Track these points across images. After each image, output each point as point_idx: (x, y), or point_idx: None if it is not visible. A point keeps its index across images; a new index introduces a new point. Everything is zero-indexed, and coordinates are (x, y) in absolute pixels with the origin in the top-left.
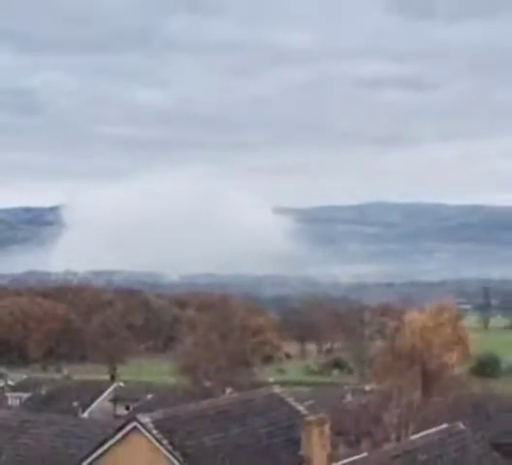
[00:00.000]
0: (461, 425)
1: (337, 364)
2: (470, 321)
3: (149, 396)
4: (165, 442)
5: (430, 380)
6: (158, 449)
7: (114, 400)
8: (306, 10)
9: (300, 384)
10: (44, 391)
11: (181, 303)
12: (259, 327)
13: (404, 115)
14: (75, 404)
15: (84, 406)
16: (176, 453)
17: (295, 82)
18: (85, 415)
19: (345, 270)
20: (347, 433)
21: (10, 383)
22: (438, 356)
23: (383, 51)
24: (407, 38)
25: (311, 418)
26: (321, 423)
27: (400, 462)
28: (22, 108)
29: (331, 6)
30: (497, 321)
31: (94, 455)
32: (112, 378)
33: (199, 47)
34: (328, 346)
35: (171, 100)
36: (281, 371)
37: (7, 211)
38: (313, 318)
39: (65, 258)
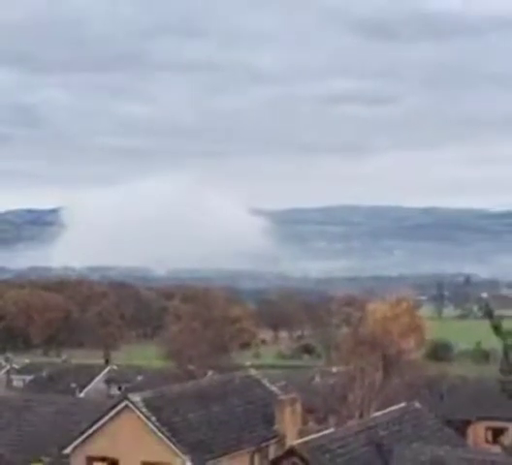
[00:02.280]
0: (417, 404)
1: (307, 349)
2: (426, 311)
3: (139, 378)
4: (153, 418)
5: (389, 363)
6: (147, 424)
7: (108, 381)
8: (277, 34)
9: (273, 367)
10: (45, 374)
11: (168, 295)
12: (237, 317)
13: (364, 127)
14: (73, 385)
15: (81, 387)
16: (164, 428)
17: (267, 98)
18: (82, 394)
19: (314, 266)
20: (316, 411)
21: (14, 366)
22: (397, 342)
23: (344, 71)
24: (365, 58)
25: (284, 397)
26: (292, 402)
27: (363, 437)
28: (26, 122)
29: (299, 31)
30: (450, 311)
31: (90, 431)
32: (106, 362)
33: (183, 68)
34: (298, 333)
35: (158, 114)
36: (257, 355)
37: (12, 213)
38: (286, 308)
39: (64, 255)
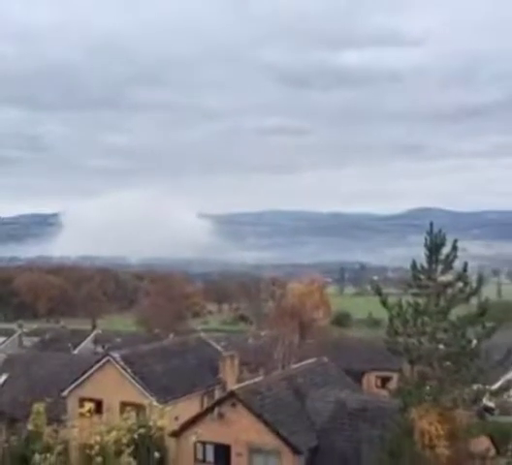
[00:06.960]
0: (325, 359)
1: (243, 318)
2: (331, 289)
3: (118, 340)
4: (129, 370)
5: (304, 328)
6: (124, 374)
7: (95, 342)
8: (223, 82)
9: (218, 331)
10: (48, 336)
11: (139, 277)
12: (190, 293)
13: (288, 152)
14: (68, 345)
15: (75, 346)
16: (136, 377)
17: (215, 131)
18: (75, 352)
19: (248, 255)
20: (249, 364)
21: (25, 330)
22: (310, 312)
23: (274, 110)
24: (290, 101)
25: (226, 353)
26: (232, 358)
27: (284, 384)
28: (32, 148)
29: (240, 80)
30: (349, 290)
31: (81, 379)
32: (93, 327)
33: (151, 107)
34: (236, 306)
35: (132, 142)
36: (205, 322)
37: (23, 216)
38: (227, 287)
39: (62, 247)
